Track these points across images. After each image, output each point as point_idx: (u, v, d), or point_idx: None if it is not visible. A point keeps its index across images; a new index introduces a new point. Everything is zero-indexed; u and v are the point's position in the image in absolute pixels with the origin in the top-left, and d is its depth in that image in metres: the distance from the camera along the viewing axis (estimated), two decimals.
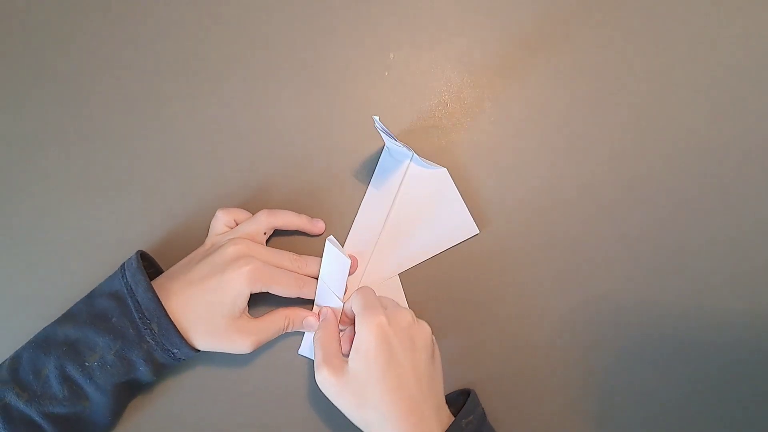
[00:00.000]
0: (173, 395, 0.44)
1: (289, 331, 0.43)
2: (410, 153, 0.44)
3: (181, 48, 0.48)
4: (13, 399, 0.36)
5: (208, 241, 0.43)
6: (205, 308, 0.39)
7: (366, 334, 0.37)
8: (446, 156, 0.47)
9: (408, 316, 0.39)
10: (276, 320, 0.42)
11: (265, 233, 0.43)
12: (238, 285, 0.39)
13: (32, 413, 0.36)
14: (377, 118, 0.38)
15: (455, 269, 0.45)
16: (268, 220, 0.43)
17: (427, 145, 0.47)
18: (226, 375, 0.44)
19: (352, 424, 0.38)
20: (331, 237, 0.44)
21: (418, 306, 0.45)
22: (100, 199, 0.46)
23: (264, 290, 0.40)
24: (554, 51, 0.48)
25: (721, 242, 0.45)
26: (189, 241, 0.45)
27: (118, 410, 0.40)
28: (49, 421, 0.36)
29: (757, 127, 0.47)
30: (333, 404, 0.39)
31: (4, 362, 0.39)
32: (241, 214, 0.44)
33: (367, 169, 0.47)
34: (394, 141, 0.42)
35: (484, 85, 0.48)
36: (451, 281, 0.45)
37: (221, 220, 0.43)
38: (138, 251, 0.41)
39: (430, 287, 0.45)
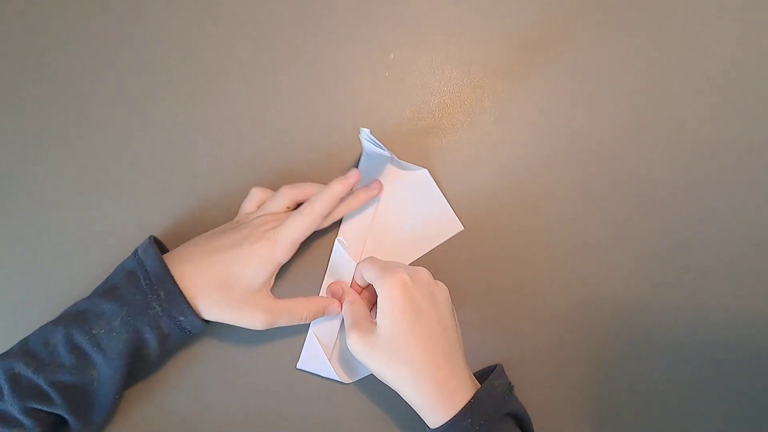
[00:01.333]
0: (175, 396, 0.44)
1: (304, 322, 0.42)
2: (389, 156, 0.45)
3: (181, 48, 0.48)
4: (21, 368, 0.36)
5: (237, 219, 0.43)
6: (223, 277, 0.38)
7: (389, 291, 0.38)
8: (446, 156, 0.47)
9: (426, 272, 0.40)
10: (295, 308, 0.41)
11: (288, 207, 0.43)
12: (258, 258, 0.39)
13: (40, 381, 0.36)
14: (368, 130, 0.38)
15: (454, 271, 0.45)
16: (290, 194, 0.43)
17: (428, 145, 0.47)
18: (227, 381, 0.44)
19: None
20: (341, 238, 0.44)
21: None
22: (100, 199, 0.46)
23: (292, 252, 0.40)
24: (554, 51, 0.48)
25: (721, 242, 0.45)
26: (182, 239, 0.45)
27: (123, 385, 0.39)
28: (56, 389, 0.36)
29: (757, 127, 0.47)
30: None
31: (20, 341, 0.39)
32: (272, 194, 0.44)
33: None
34: (380, 149, 0.41)
35: (484, 85, 0.48)
36: (449, 284, 0.45)
37: (253, 201, 0.43)
38: (150, 236, 0.41)
39: None
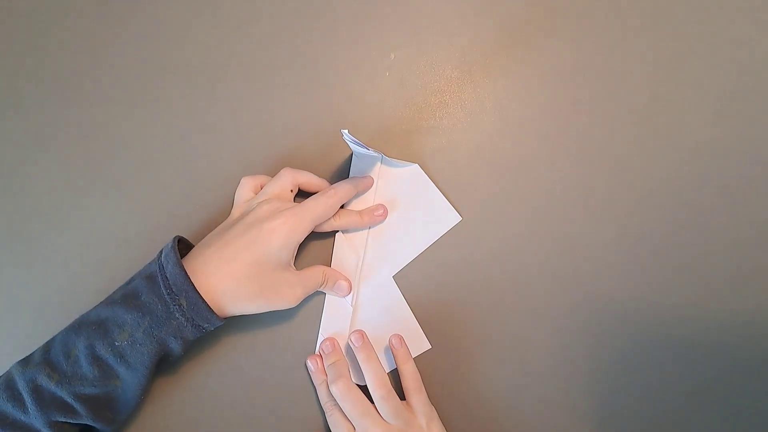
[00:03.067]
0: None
1: (323, 288, 0.43)
2: (379, 156, 0.45)
3: (181, 48, 0.48)
4: (44, 381, 0.36)
5: (236, 211, 0.43)
6: (248, 266, 0.38)
7: None
8: (446, 156, 0.47)
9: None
10: (315, 274, 0.42)
11: (291, 191, 0.43)
12: (282, 235, 0.38)
13: (63, 394, 0.36)
14: (346, 131, 0.38)
15: (454, 270, 0.45)
16: (292, 176, 0.43)
17: (427, 145, 0.47)
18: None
19: None
20: (340, 233, 0.44)
21: (418, 307, 0.45)
22: (100, 199, 0.46)
23: (310, 230, 0.40)
24: (555, 51, 0.48)
25: (721, 242, 0.45)
26: (189, 240, 0.45)
27: (148, 386, 0.40)
28: (80, 401, 0.36)
29: (758, 127, 0.46)
30: None
31: (41, 345, 0.39)
32: (266, 179, 0.44)
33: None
34: (365, 149, 0.42)
35: (484, 85, 0.48)
36: (448, 283, 0.45)
37: (247, 187, 0.43)
38: (176, 236, 0.40)
39: (427, 288, 0.45)
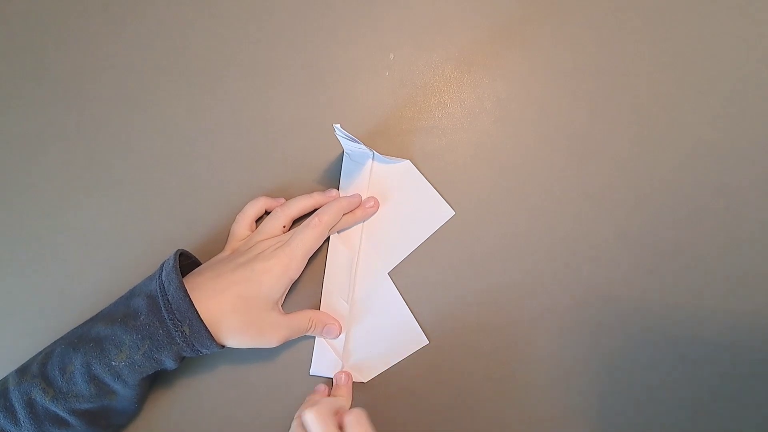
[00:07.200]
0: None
1: (310, 333, 0.43)
2: (371, 152, 0.45)
3: (181, 48, 0.48)
4: (38, 395, 0.36)
5: (229, 247, 0.43)
6: (237, 301, 0.38)
7: None
8: (446, 156, 0.47)
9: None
10: (301, 320, 0.42)
11: (284, 227, 0.44)
12: (274, 274, 0.39)
13: (58, 410, 0.36)
14: (338, 125, 0.38)
15: (453, 270, 0.45)
16: (284, 215, 0.43)
17: (428, 145, 0.47)
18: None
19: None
20: (335, 233, 0.44)
21: (415, 303, 0.45)
22: (100, 199, 0.46)
23: (304, 265, 0.41)
24: (555, 51, 0.48)
25: (721, 242, 0.45)
26: (188, 241, 0.45)
27: (144, 397, 0.40)
28: (75, 415, 0.37)
29: (758, 127, 0.46)
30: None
31: (41, 352, 0.39)
32: (259, 211, 0.44)
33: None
34: (357, 144, 0.42)
35: (485, 85, 0.48)
36: (448, 282, 0.45)
37: (243, 224, 0.44)
38: (177, 250, 0.40)
39: (425, 284, 0.45)
